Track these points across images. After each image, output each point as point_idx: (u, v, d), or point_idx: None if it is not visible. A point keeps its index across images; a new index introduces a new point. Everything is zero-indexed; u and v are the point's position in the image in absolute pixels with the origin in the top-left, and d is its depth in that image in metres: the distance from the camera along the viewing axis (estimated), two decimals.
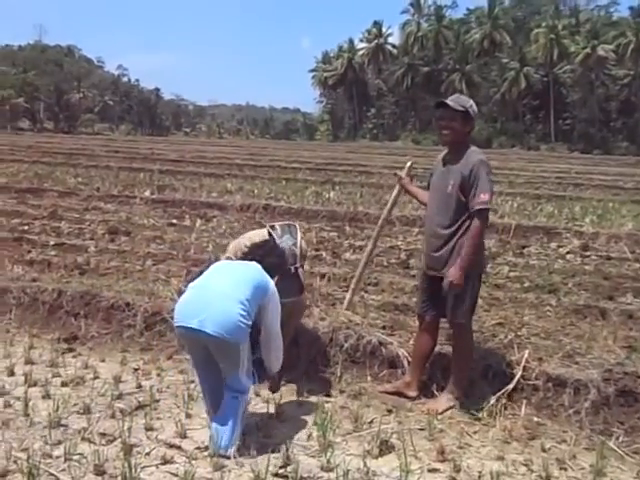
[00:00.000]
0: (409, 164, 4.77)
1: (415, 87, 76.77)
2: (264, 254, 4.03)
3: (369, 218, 10.80)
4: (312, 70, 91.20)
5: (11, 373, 4.49)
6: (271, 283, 3.77)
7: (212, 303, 3.50)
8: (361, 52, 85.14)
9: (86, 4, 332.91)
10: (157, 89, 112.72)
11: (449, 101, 4.21)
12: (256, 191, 14.36)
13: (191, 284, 3.74)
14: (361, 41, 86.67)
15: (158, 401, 4.12)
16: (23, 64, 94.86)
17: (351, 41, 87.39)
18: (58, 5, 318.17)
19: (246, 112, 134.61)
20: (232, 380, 3.56)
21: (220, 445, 3.43)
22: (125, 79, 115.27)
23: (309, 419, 3.90)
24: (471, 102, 4.23)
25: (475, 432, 3.88)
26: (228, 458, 3.39)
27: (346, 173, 21.17)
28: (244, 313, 3.48)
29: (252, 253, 4.10)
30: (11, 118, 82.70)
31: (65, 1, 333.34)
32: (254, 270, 3.77)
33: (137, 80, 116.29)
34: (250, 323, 3.53)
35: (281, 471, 3.27)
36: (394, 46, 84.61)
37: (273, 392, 4.25)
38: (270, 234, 4.28)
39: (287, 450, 3.41)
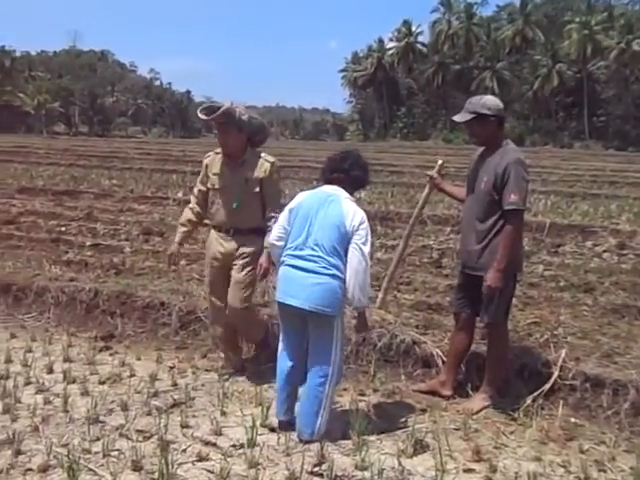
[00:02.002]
0: (440, 163, 4.74)
1: (446, 85, 76.21)
2: (349, 168, 3.87)
3: (400, 217, 10.75)
4: (342, 70, 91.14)
5: (50, 371, 4.58)
6: (352, 211, 3.68)
7: (308, 279, 3.60)
8: (391, 51, 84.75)
9: (119, 10, 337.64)
10: (188, 92, 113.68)
11: (456, 118, 4.25)
12: (287, 191, 14.36)
13: (285, 249, 3.77)
14: (391, 40, 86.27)
15: (193, 399, 4.16)
16: (58, 69, 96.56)
17: (380, 41, 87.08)
18: (92, 11, 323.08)
19: (276, 113, 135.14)
20: (322, 359, 3.63)
21: (302, 430, 3.58)
22: (157, 82, 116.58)
23: (343, 418, 3.90)
24: (483, 100, 4.14)
25: (511, 432, 3.84)
26: (311, 442, 3.50)
27: (377, 173, 21.03)
28: (339, 283, 3.59)
29: (335, 169, 3.91)
30: (47, 122, 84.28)
31: (99, 7, 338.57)
32: (337, 212, 3.67)
33: (169, 83, 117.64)
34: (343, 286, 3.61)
35: (316, 469, 3.27)
36: (424, 45, 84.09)
37: (359, 332, 4.26)
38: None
39: (321, 448, 3.40)
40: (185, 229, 4.65)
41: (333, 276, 3.61)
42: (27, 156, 26.50)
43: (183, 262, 7.27)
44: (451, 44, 77.98)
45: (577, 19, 67.43)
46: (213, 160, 4.56)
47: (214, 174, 4.50)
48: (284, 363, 3.82)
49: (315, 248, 3.64)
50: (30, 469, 3.21)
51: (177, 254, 4.66)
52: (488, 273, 3.95)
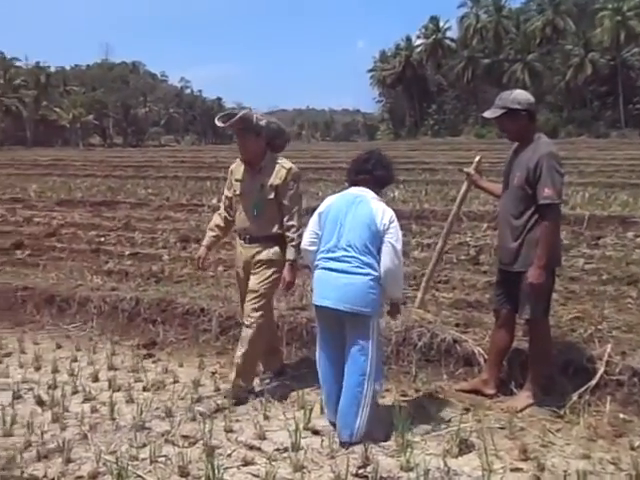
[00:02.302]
0: (477, 159, 4.69)
1: (476, 80, 75.53)
2: (372, 168, 3.95)
3: (435, 215, 10.70)
4: (370, 70, 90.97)
5: (96, 379, 4.66)
6: (381, 210, 3.75)
7: (343, 280, 3.64)
8: (419, 49, 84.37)
9: (149, 21, 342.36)
10: (219, 98, 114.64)
11: (486, 114, 4.21)
12: (320, 193, 14.41)
13: (318, 254, 3.83)
14: (418, 37, 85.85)
15: (235, 404, 4.18)
16: (92, 83, 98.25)
17: (408, 38, 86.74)
18: (123, 24, 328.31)
19: (306, 116, 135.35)
20: (359, 359, 3.65)
21: (342, 431, 3.61)
22: (188, 91, 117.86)
23: (386, 419, 3.89)
24: (513, 95, 4.10)
25: (558, 430, 3.78)
26: (351, 445, 3.53)
27: (409, 171, 21.00)
28: (373, 282, 3.63)
29: (359, 171, 3.99)
30: (82, 135, 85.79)
31: (129, 19, 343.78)
32: (365, 212, 3.74)
33: (199, 91, 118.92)
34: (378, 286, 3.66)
35: (361, 471, 3.26)
36: (453, 40, 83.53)
37: (392, 317, 4.24)
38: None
39: (365, 450, 3.40)
40: (213, 234, 4.64)
41: (367, 275, 3.64)
42: (65, 169, 27.03)
43: (221, 268, 7.36)
44: (480, 38, 77.29)
45: (609, 6, 66.13)
46: (237, 166, 4.54)
47: (236, 180, 4.48)
48: (325, 366, 3.85)
49: (348, 249, 3.68)
50: (80, 477, 3.27)
51: (205, 257, 4.65)
52: (529, 270, 3.91)
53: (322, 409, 3.99)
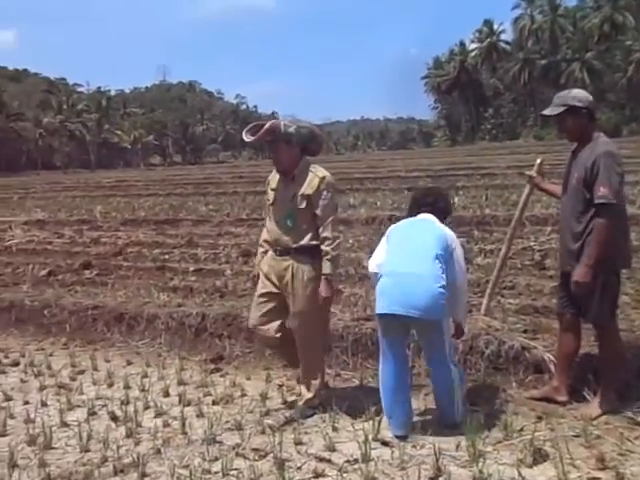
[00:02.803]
0: (539, 161, 4.61)
1: (533, 82, 74.25)
2: (433, 201, 4.16)
3: (497, 221, 10.54)
4: (424, 77, 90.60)
5: (166, 394, 4.75)
6: (447, 232, 3.92)
7: (411, 287, 3.70)
8: (473, 53, 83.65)
9: (204, 41, 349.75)
10: (274, 113, 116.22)
11: (546, 112, 4.14)
12: (379, 203, 14.42)
13: (383, 269, 3.92)
14: (472, 42, 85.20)
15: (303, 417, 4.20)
16: (151, 104, 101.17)
17: (462, 43, 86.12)
18: (179, 45, 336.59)
19: (361, 126, 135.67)
20: (439, 360, 3.86)
21: (447, 423, 3.84)
22: (244, 107, 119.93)
23: (455, 428, 3.84)
24: (573, 93, 4.04)
25: (636, 437, 3.64)
26: (456, 427, 3.75)
27: (468, 177, 20.78)
28: (442, 290, 3.70)
29: (421, 205, 4.17)
30: (143, 155, 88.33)
31: (185, 41, 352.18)
32: (431, 231, 3.92)
33: (255, 106, 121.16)
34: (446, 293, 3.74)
35: None
36: (507, 43, 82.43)
37: (458, 338, 4.26)
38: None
39: (437, 461, 3.36)
40: (262, 249, 4.51)
41: (436, 283, 3.70)
42: (127, 189, 27.82)
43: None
44: (535, 39, 76.06)
45: None
46: (274, 175, 4.40)
47: (272, 189, 4.36)
48: (391, 378, 3.88)
49: (414, 266, 3.77)
50: None
51: (259, 275, 4.47)
52: (576, 268, 3.82)
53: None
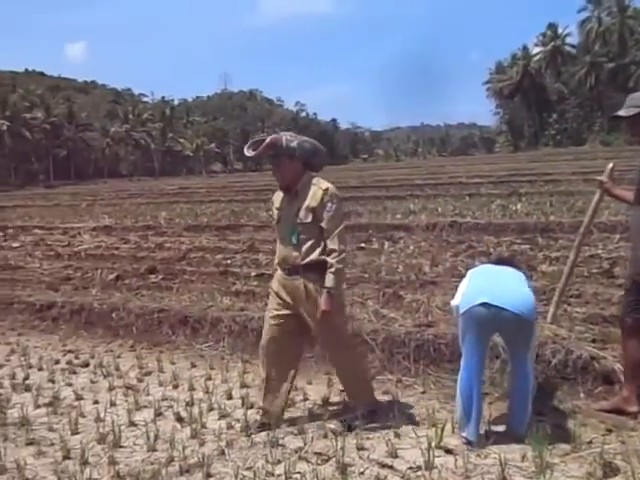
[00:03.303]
0: (610, 166, 4.49)
1: (600, 85, 72.27)
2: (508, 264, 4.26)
3: (562, 228, 10.31)
4: (486, 82, 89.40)
5: (229, 397, 4.82)
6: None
7: (507, 285, 3.81)
8: (537, 57, 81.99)
9: (265, 49, 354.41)
10: (334, 120, 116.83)
11: (620, 112, 4.00)
12: (440, 209, 14.30)
13: (470, 272, 4.12)
14: (536, 45, 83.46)
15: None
16: (212, 112, 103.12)
17: (525, 47, 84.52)
18: (240, 54, 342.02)
19: (421, 133, 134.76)
20: (520, 363, 3.85)
21: (514, 428, 3.82)
22: (303, 114, 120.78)
23: (521, 437, 3.76)
24: None
25: None
26: (522, 441, 3.66)
27: (532, 183, 20.38)
28: (533, 296, 3.83)
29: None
30: (205, 163, 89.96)
31: (246, 49, 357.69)
32: (518, 275, 4.03)
33: (314, 114, 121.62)
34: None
35: None
36: (573, 46, 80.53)
37: None
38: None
39: (502, 471, 3.30)
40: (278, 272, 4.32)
41: (528, 287, 3.91)
42: (190, 196, 28.39)
43: (344, 286, 7.40)
44: (603, 41, 74.04)
45: None
46: (277, 195, 4.30)
47: (277, 209, 4.26)
48: (473, 380, 3.82)
49: (505, 278, 3.94)
50: None
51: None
52: None
53: (453, 428, 3.92)
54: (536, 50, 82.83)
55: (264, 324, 4.36)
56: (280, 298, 4.19)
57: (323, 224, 4.00)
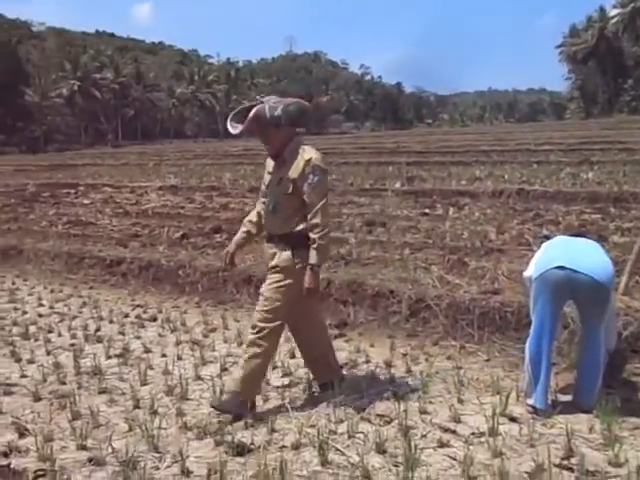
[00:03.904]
0: None
1: None
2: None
3: (636, 198, 9.95)
4: (559, 46, 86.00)
5: (292, 356, 4.89)
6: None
7: (584, 251, 3.76)
8: (614, 20, 78.16)
9: (330, 12, 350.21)
10: (399, 83, 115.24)
11: None
12: (506, 176, 13.97)
13: (545, 244, 4.05)
14: (614, 7, 79.50)
15: (428, 386, 4.18)
16: (276, 74, 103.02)
17: (602, 9, 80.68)
18: (306, 16, 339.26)
19: (488, 98, 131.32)
20: (592, 333, 3.75)
21: (581, 399, 3.74)
22: (368, 77, 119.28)
23: (589, 409, 3.69)
24: None
25: None
26: (589, 412, 3.63)
27: (604, 151, 19.60)
28: (611, 263, 3.76)
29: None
30: None
31: (312, 11, 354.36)
32: (597, 246, 3.94)
33: (379, 77, 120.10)
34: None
35: (565, 462, 3.12)
36: None
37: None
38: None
39: (568, 441, 3.24)
40: (244, 229, 4.19)
41: (606, 256, 3.82)
42: (253, 158, 28.50)
43: (407, 251, 7.36)
44: None
45: None
46: (270, 160, 4.09)
47: (268, 173, 4.06)
48: (545, 347, 3.75)
49: (582, 248, 3.85)
50: (284, 446, 3.45)
51: (233, 254, 4.17)
52: None
53: (518, 396, 3.88)
54: (614, 12, 78.96)
55: None
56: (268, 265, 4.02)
57: (305, 197, 3.78)
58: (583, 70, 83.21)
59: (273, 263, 3.89)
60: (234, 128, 3.93)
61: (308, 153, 3.84)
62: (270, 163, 4.06)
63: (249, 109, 3.87)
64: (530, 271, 3.85)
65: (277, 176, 3.92)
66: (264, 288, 3.93)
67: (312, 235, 3.75)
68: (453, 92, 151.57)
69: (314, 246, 3.75)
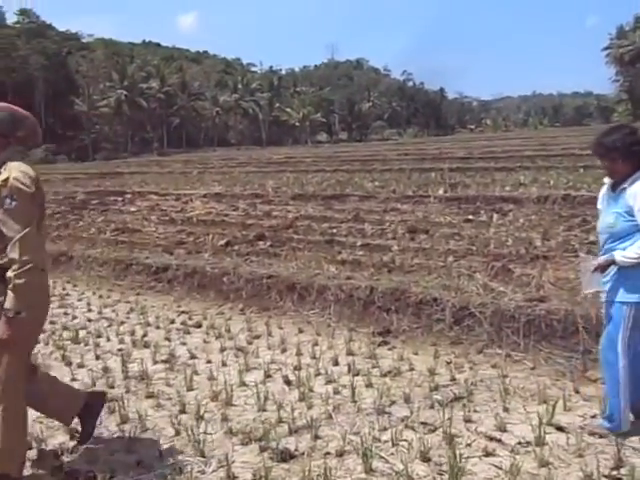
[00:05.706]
0: None
1: None
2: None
3: None
4: (605, 48, 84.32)
5: (335, 363, 4.90)
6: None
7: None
8: None
9: (371, 19, 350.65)
10: (441, 89, 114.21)
11: None
12: (552, 182, 13.73)
13: None
14: None
15: (473, 394, 4.15)
16: (319, 82, 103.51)
17: None
18: (347, 23, 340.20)
19: (533, 102, 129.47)
20: None
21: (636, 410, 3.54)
22: (410, 83, 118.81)
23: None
24: None
25: None
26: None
27: None
28: None
29: None
30: (311, 132, 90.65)
31: (353, 19, 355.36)
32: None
33: (422, 83, 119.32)
34: None
35: (614, 473, 3.07)
36: None
37: None
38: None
39: (618, 452, 3.19)
40: None
41: None
42: (296, 165, 28.68)
43: (451, 258, 7.32)
44: None
45: None
46: None
47: None
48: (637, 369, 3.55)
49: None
50: (328, 453, 3.47)
51: None
52: None
53: (565, 405, 3.82)
54: None
55: None
56: None
57: (0, 225, 3.09)
58: (631, 72, 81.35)
59: None
60: None
61: (9, 171, 3.14)
62: None
63: None
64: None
65: None
66: None
67: (8, 274, 3.04)
68: (496, 97, 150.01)
69: (10, 287, 3.03)
